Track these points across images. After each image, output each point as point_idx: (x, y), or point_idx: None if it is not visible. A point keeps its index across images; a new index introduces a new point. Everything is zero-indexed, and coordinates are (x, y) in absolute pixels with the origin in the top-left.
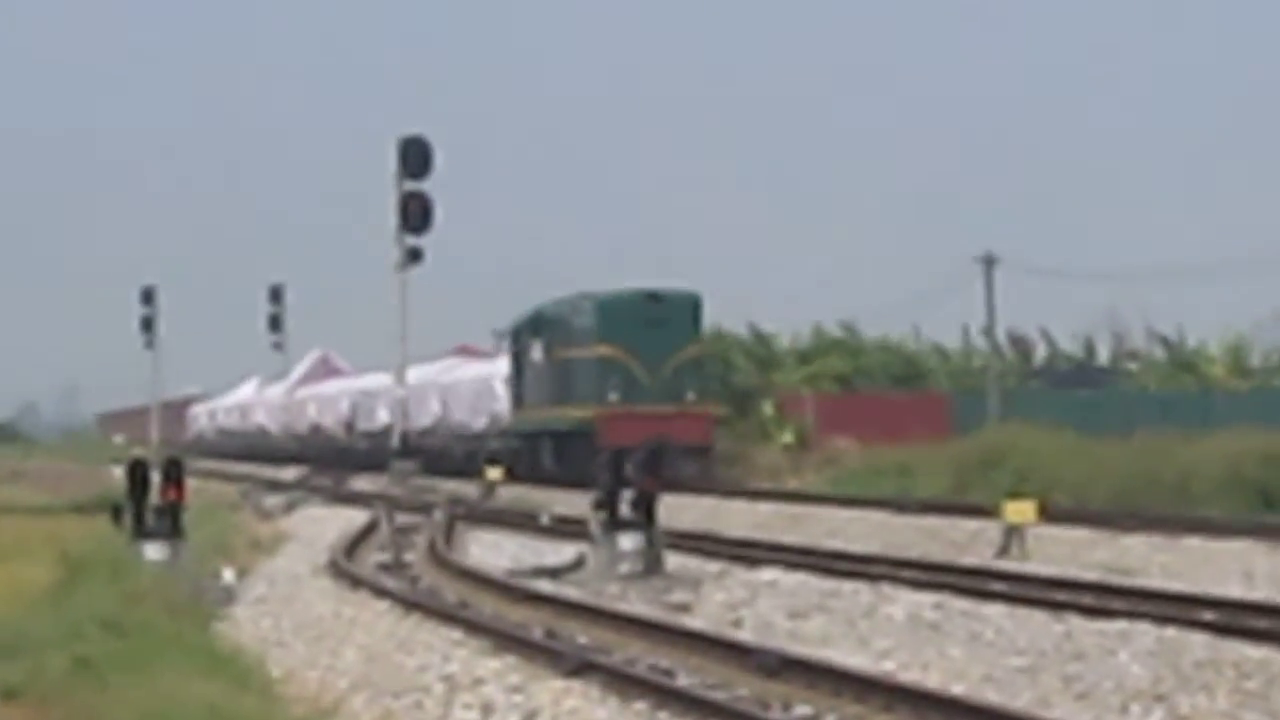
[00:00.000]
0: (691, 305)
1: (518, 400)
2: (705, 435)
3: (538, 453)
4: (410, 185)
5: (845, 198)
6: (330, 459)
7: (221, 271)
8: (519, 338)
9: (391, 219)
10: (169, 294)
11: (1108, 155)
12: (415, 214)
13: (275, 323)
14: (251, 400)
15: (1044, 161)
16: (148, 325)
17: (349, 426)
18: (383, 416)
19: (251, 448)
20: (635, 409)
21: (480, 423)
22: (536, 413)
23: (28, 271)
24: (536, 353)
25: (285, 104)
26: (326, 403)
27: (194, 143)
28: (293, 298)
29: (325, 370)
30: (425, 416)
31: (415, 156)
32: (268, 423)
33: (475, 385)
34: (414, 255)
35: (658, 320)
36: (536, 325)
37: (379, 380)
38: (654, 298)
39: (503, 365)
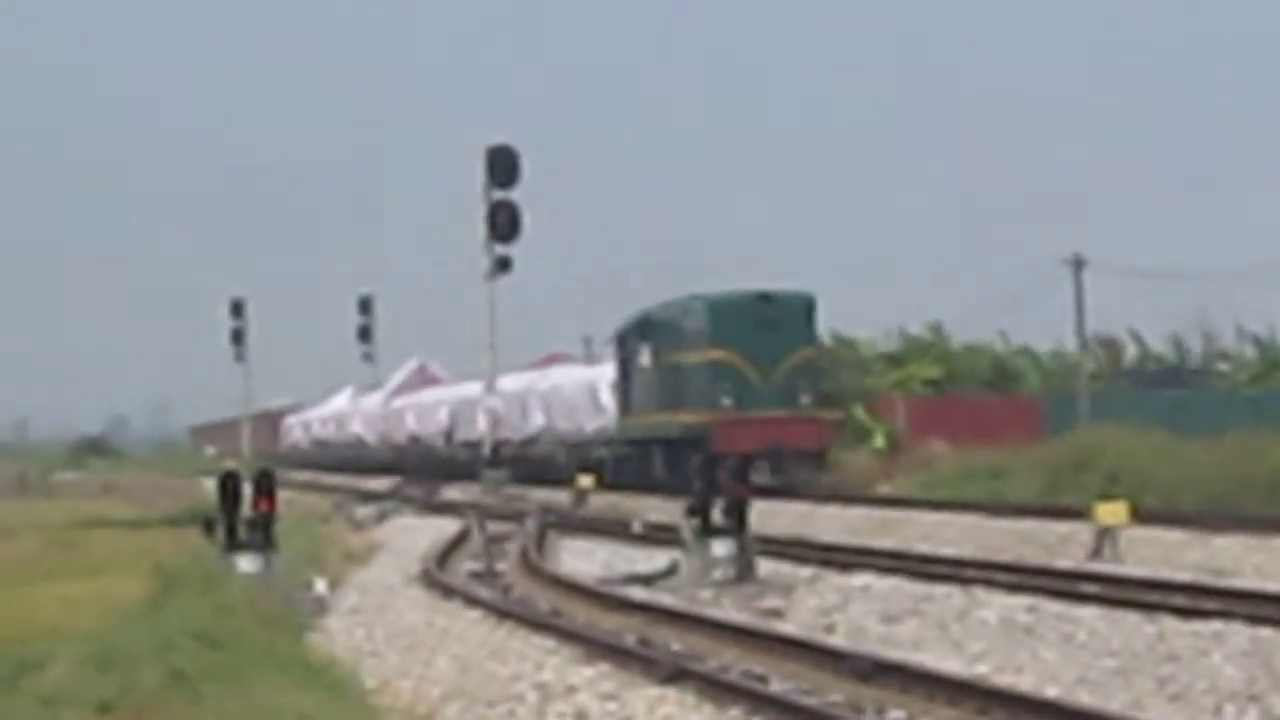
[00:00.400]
0: (805, 306)
1: (625, 407)
2: (821, 440)
3: (647, 460)
4: (498, 194)
5: (930, 200)
6: (429, 469)
7: (311, 283)
8: (625, 342)
9: (480, 228)
10: (259, 306)
11: (1196, 154)
12: (503, 223)
13: (365, 334)
14: (347, 410)
15: (1132, 161)
16: (238, 338)
17: (448, 436)
18: (483, 425)
19: (348, 459)
20: (749, 414)
21: (586, 430)
22: (645, 419)
23: (118, 285)
24: (644, 357)
25: (374, 115)
26: (425, 412)
27: (283, 154)
28: (383, 308)
29: (422, 379)
30: (529, 425)
31: (503, 165)
32: (365, 433)
33: (580, 392)
34: (503, 264)
35: (770, 322)
36: (644, 329)
37: (478, 389)
38: (766, 299)
39: (608, 371)
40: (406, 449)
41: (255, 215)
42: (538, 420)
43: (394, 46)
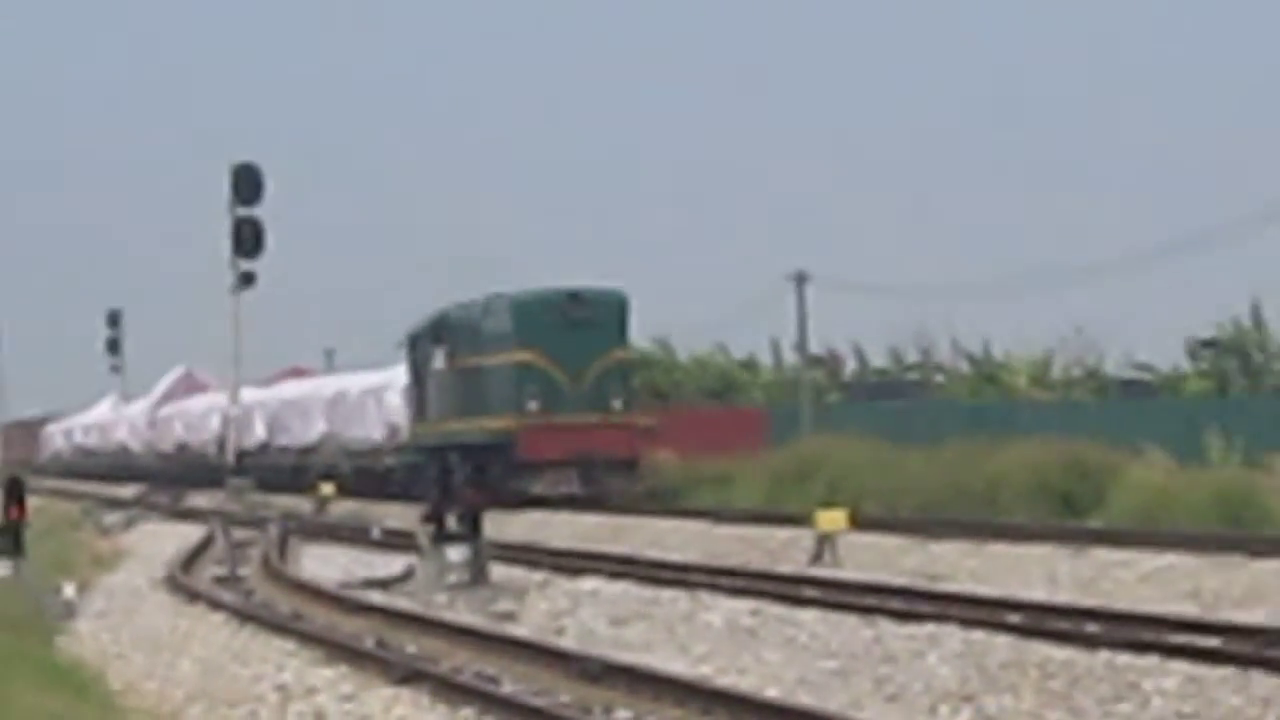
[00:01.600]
0: (618, 305)
1: (419, 412)
2: (632, 447)
3: (445, 467)
4: (243, 211)
5: (656, 216)
6: (199, 478)
7: (60, 297)
8: (417, 345)
9: (225, 244)
10: (7, 318)
11: (915, 173)
12: (248, 239)
13: (114, 346)
14: (111, 419)
15: (853, 178)
16: None
17: (220, 443)
18: (259, 432)
19: (113, 466)
20: (556, 419)
21: (374, 437)
22: (442, 425)
23: None
24: (439, 360)
25: (117, 128)
26: (194, 420)
27: (22, 170)
28: (138, 318)
29: (189, 385)
30: (310, 432)
31: (247, 182)
32: (130, 441)
33: (366, 398)
34: (247, 279)
35: (580, 322)
36: (438, 331)
37: (253, 395)
38: (574, 297)
39: (397, 375)
40: (174, 457)
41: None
42: (319, 427)
43: (138, 59)
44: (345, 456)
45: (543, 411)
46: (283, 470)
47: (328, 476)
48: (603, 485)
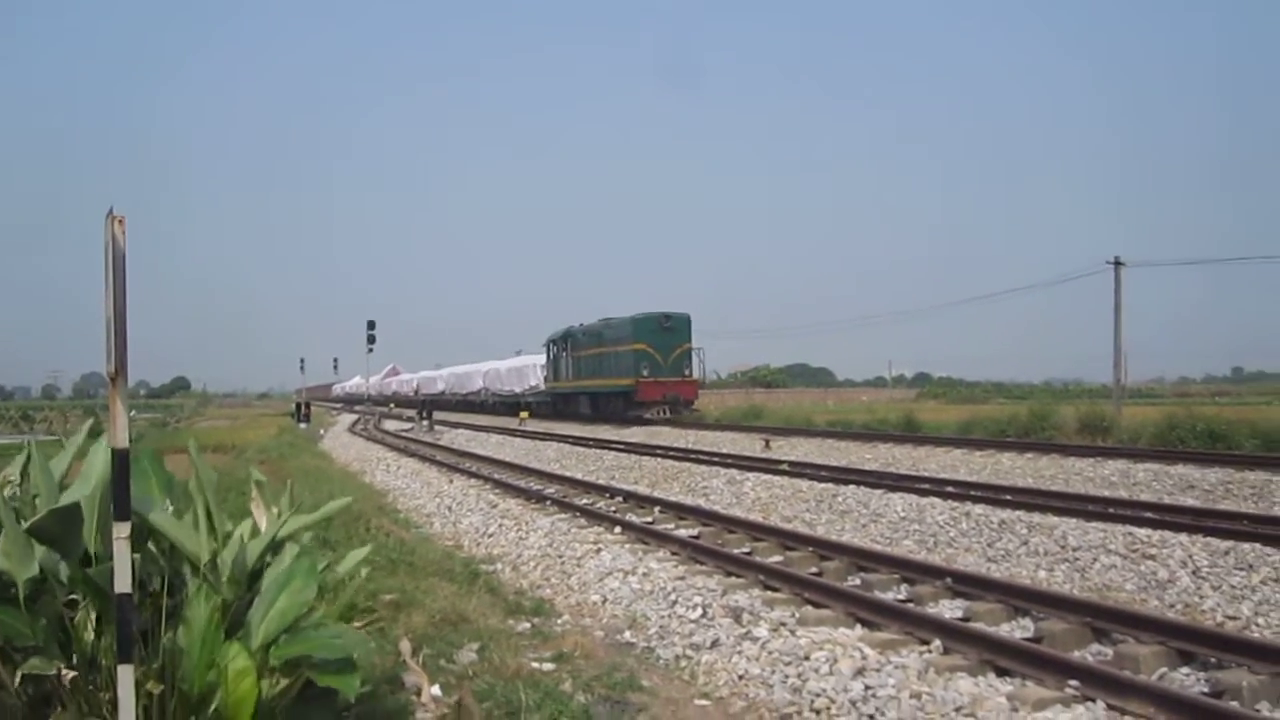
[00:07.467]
0: (687, 320)
1: (553, 376)
2: (694, 394)
3: (576, 403)
4: (370, 331)
5: None
6: (375, 405)
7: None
8: (550, 346)
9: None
10: (308, 352)
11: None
12: (370, 337)
13: (371, 340)
14: (359, 384)
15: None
16: (300, 362)
17: (415, 392)
18: (438, 385)
19: (355, 401)
20: (658, 379)
21: (517, 390)
22: (569, 383)
23: None
24: (566, 353)
25: None
26: (398, 384)
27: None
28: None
29: (391, 372)
30: (473, 386)
31: (369, 331)
32: (367, 391)
33: (514, 371)
34: (372, 339)
35: (668, 329)
36: (564, 338)
37: (424, 374)
38: (667, 317)
39: (527, 359)
40: (388, 399)
41: None
42: (479, 384)
43: None
44: (491, 395)
45: (650, 375)
46: (450, 404)
47: (478, 407)
48: (680, 412)
